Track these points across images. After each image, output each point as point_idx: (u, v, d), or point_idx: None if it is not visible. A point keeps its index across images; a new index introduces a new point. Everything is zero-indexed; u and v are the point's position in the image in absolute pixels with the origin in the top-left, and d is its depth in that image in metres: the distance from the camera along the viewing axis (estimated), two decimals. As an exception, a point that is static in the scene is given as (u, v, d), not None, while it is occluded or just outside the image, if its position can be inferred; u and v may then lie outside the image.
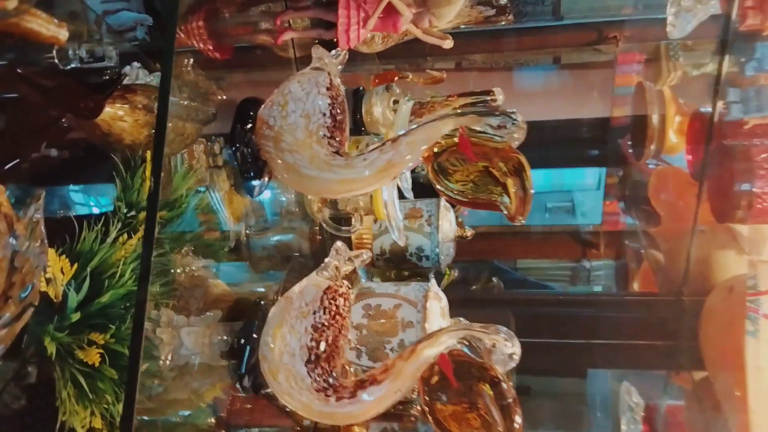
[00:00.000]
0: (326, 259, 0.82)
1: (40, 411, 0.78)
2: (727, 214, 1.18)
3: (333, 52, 0.81)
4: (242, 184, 0.81)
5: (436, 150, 0.72)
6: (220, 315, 0.93)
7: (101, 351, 0.75)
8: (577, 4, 1.67)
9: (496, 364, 0.72)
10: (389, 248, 1.24)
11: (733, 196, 1.13)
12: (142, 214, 0.87)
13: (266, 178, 0.78)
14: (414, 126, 0.74)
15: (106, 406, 0.77)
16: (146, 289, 0.68)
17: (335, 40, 0.86)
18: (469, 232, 1.30)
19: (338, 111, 0.75)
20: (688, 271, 1.22)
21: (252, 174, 0.76)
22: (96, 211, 1.10)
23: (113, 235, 0.83)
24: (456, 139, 0.72)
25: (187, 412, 0.97)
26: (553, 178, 2.43)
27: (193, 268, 1.05)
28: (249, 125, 0.73)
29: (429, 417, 0.72)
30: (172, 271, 0.99)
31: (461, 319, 1.08)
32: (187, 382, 0.93)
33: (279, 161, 0.73)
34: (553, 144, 1.96)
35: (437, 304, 1.00)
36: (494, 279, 1.81)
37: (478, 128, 0.72)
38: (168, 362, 0.88)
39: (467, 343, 0.74)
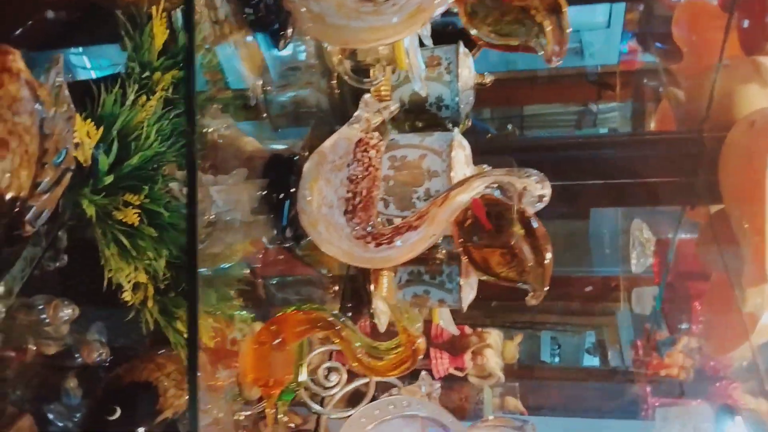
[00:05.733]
0: (357, 112, 0.81)
1: (89, 269, 0.81)
2: (757, 46, 1.13)
3: None
4: (265, 36, 0.77)
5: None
6: (246, 172, 0.94)
7: (138, 211, 0.76)
8: None
9: (526, 205, 0.73)
10: (408, 99, 1.21)
11: (766, 26, 1.08)
12: (157, 75, 0.83)
13: (290, 30, 0.75)
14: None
15: (148, 262, 0.80)
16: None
17: None
18: (488, 79, 1.26)
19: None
20: (710, 107, 1.20)
21: (276, 26, 0.72)
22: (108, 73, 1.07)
23: (131, 97, 0.81)
24: (489, -23, 0.68)
25: (224, 265, 1.01)
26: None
27: (217, 127, 1.04)
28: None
29: (465, 256, 0.75)
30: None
31: (485, 166, 1.09)
32: (221, 237, 0.96)
33: (304, 10, 0.70)
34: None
35: (462, 153, 1.00)
36: (509, 126, 1.79)
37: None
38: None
39: (497, 187, 0.75)
